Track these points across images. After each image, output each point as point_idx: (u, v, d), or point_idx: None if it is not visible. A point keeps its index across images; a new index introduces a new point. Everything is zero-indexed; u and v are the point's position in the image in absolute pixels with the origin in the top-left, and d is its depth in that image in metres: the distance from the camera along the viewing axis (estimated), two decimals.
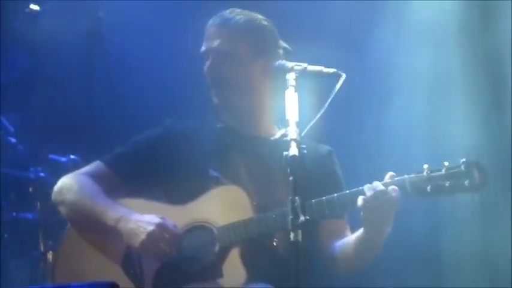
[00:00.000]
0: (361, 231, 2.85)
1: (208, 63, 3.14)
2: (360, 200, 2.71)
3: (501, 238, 4.29)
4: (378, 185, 2.71)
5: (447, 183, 2.64)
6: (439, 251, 4.46)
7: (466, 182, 2.62)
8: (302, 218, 2.36)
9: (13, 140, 4.66)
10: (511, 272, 4.18)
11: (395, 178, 2.73)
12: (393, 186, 2.69)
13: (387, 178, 2.75)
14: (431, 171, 2.67)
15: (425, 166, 2.69)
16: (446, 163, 2.67)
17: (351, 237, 2.96)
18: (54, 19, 5.01)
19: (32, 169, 4.67)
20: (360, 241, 2.86)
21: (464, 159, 2.65)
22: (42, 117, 5.00)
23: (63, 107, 4.98)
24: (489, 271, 4.32)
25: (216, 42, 3.13)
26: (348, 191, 2.82)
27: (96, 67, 5.01)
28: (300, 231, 2.37)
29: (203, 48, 3.17)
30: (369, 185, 2.73)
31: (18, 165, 4.64)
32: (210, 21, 3.19)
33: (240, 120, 3.15)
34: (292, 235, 2.36)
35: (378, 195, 2.68)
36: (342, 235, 3.05)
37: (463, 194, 2.64)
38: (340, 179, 3.15)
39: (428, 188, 2.66)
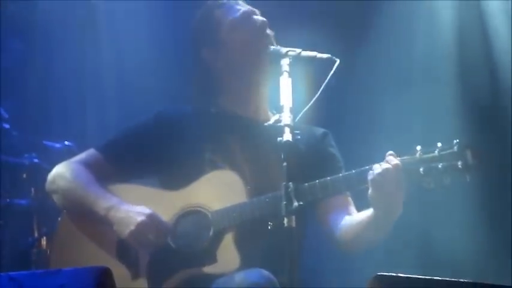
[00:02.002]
0: (370, 211, 2.80)
1: (260, 18, 3.08)
2: (369, 175, 2.66)
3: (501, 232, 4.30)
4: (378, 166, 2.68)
5: (440, 165, 2.60)
6: (434, 243, 4.47)
7: (459, 163, 2.58)
8: (295, 203, 2.36)
9: (7, 126, 4.64)
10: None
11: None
12: (396, 162, 2.64)
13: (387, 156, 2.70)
14: (423, 153, 2.64)
15: (418, 148, 2.66)
16: (439, 144, 2.64)
17: (360, 216, 2.92)
18: (48, 6, 5.01)
19: (26, 155, 4.65)
20: (370, 221, 2.82)
21: (457, 140, 2.62)
22: (36, 103, 4.99)
23: (57, 93, 4.98)
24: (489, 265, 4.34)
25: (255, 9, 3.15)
26: (340, 175, 2.81)
27: (90, 54, 5.01)
28: (293, 217, 2.37)
29: (241, 10, 3.11)
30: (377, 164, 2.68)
31: (12, 151, 4.63)
32: None
33: (244, 99, 3.14)
34: (285, 221, 2.37)
35: (383, 172, 2.63)
36: (345, 209, 3.02)
37: (456, 176, 2.60)
38: (337, 158, 3.13)
39: (421, 169, 2.62)
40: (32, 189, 4.61)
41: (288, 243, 2.35)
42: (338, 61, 2.70)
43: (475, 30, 4.47)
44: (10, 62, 4.96)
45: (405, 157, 2.67)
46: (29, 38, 5.07)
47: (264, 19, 3.10)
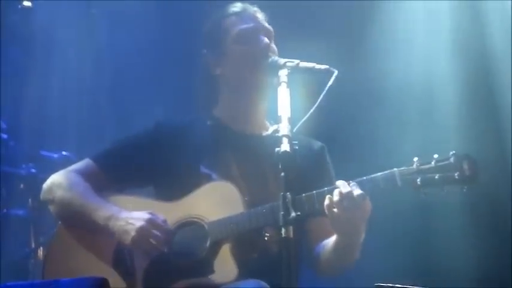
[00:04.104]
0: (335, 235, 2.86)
1: (266, 40, 3.06)
2: (326, 200, 2.70)
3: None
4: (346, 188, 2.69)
5: (437, 176, 2.63)
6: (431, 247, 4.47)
7: (456, 175, 2.61)
8: (293, 214, 2.36)
9: (5, 136, 4.64)
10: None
11: (385, 172, 2.72)
12: (358, 192, 2.67)
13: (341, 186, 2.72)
14: (421, 164, 2.67)
15: (415, 159, 2.69)
16: (436, 155, 2.66)
17: (330, 240, 2.94)
18: (47, 15, 5.02)
19: (23, 165, 4.66)
20: (336, 245, 2.86)
21: (453, 152, 2.64)
22: (34, 113, 4.99)
23: (55, 103, 4.98)
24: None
25: (266, 23, 3.13)
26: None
27: (88, 64, 5.01)
28: (291, 227, 2.36)
29: (250, 25, 3.10)
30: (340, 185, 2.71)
31: (9, 161, 4.63)
32: (240, 4, 3.16)
33: (241, 112, 3.13)
34: (283, 231, 2.36)
35: (344, 199, 2.67)
36: (331, 234, 3.00)
37: (453, 187, 2.62)
38: (331, 174, 3.14)
39: (418, 180, 2.65)
40: (29, 200, 4.61)
41: (286, 253, 2.34)
42: (336, 72, 2.70)
43: (473, 34, 4.48)
44: (8, 72, 4.96)
45: (402, 168, 2.69)
46: (27, 48, 5.07)
47: (268, 42, 3.07)
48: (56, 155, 4.67)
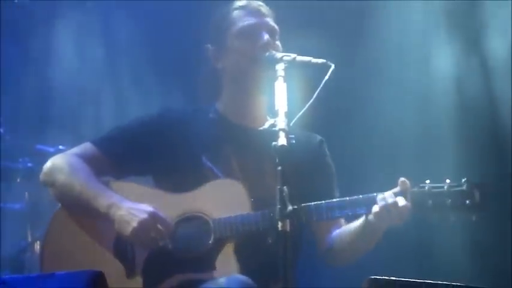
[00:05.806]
0: (361, 223, 2.86)
1: (267, 37, 3.04)
2: (375, 208, 2.73)
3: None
4: (389, 196, 2.73)
5: (448, 201, 2.68)
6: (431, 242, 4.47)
7: (468, 202, 2.66)
8: (290, 207, 2.36)
9: (1, 130, 4.64)
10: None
11: (395, 190, 2.74)
12: (402, 201, 2.70)
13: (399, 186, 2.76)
14: (432, 188, 2.71)
15: (427, 181, 2.72)
16: (447, 180, 2.70)
17: (350, 228, 2.95)
18: (46, 11, 5.02)
19: (20, 159, 4.66)
20: (360, 233, 2.87)
21: (465, 179, 2.68)
22: (30, 107, 4.99)
23: (52, 97, 4.97)
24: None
25: (270, 20, 3.11)
26: (347, 198, 2.82)
27: (86, 58, 5.01)
28: (288, 221, 2.36)
29: (253, 21, 3.08)
30: (381, 195, 2.74)
31: (5, 155, 4.63)
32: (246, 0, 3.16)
33: (242, 106, 3.13)
34: (279, 225, 2.36)
35: (390, 207, 2.71)
36: (339, 225, 3.06)
37: (463, 214, 2.66)
38: (331, 168, 3.15)
39: (430, 202, 2.70)
40: (26, 194, 4.61)
41: (282, 246, 2.34)
42: (333, 66, 2.70)
43: (472, 52, 4.48)
44: (5, 66, 4.96)
45: (414, 189, 2.74)
46: (24, 42, 5.07)
47: (269, 39, 3.04)
48: (52, 149, 4.66)
